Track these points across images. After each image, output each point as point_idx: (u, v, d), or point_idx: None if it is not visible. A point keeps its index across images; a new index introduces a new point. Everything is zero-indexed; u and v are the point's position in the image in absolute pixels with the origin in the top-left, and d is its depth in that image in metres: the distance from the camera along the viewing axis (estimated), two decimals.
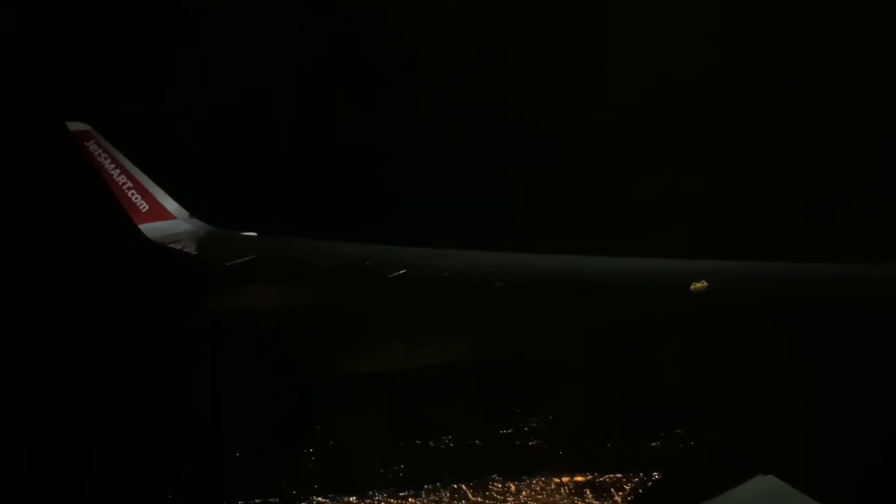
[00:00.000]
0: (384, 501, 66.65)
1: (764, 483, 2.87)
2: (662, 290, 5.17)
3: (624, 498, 65.45)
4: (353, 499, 66.71)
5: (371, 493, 67.43)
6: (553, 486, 68.93)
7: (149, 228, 12.77)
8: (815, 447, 2.93)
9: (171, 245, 12.34)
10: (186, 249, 12.06)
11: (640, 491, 55.67)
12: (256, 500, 66.79)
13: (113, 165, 13.07)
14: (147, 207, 12.86)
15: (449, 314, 6.47)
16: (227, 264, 11.20)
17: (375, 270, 7.92)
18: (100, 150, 13.39)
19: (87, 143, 13.75)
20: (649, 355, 4.37)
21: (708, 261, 5.34)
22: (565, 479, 70.99)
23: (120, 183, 12.90)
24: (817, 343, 3.54)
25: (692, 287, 4.49)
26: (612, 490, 66.77)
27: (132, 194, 12.91)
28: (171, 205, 13.08)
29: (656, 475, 59.44)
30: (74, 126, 14.23)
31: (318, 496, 66.06)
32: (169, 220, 12.88)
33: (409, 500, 67.05)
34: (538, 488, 69.52)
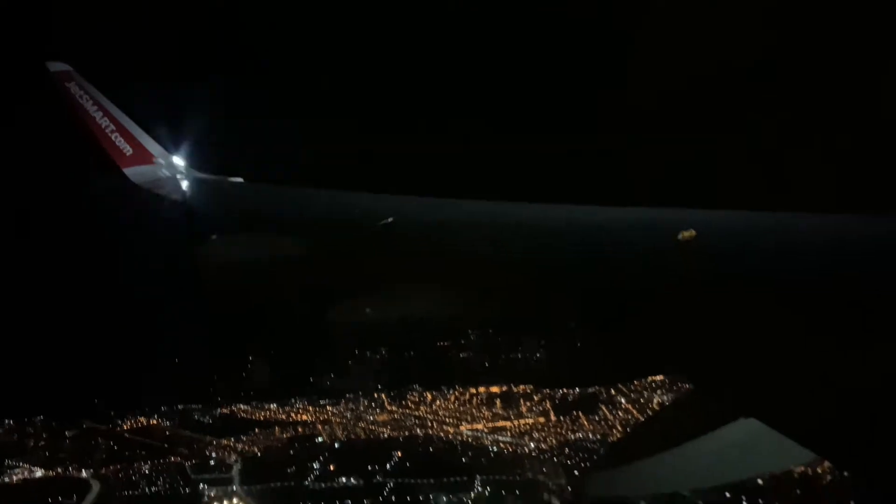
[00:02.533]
0: (304, 409, 69.93)
1: (746, 425, 2.78)
2: (648, 239, 4.97)
3: (532, 408, 69.84)
4: (273, 406, 69.91)
5: (293, 400, 70.42)
6: (467, 396, 73.18)
7: (133, 172, 11.94)
8: (801, 393, 2.70)
9: (157, 190, 11.58)
10: (172, 195, 11.32)
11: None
12: (180, 406, 69.29)
13: (95, 107, 12.18)
14: (131, 151, 11.99)
15: (435, 265, 6.06)
16: (212, 210, 10.94)
17: (363, 219, 7.42)
18: (81, 92, 12.43)
19: (67, 85, 12.66)
20: (633, 304, 4.03)
21: (696, 210, 5.03)
22: (481, 390, 75.15)
23: (102, 125, 11.97)
24: (805, 292, 3.37)
25: (679, 236, 4.29)
26: (521, 400, 71.25)
27: (115, 137, 11.98)
28: (155, 148, 12.17)
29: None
30: (55, 66, 13.01)
31: (240, 403, 68.90)
32: (154, 164, 12.06)
33: (328, 408, 70.54)
34: (452, 398, 73.70)
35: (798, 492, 40.54)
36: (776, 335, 3.17)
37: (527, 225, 6.24)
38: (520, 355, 79.11)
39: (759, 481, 39.94)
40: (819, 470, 41.16)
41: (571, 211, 6.12)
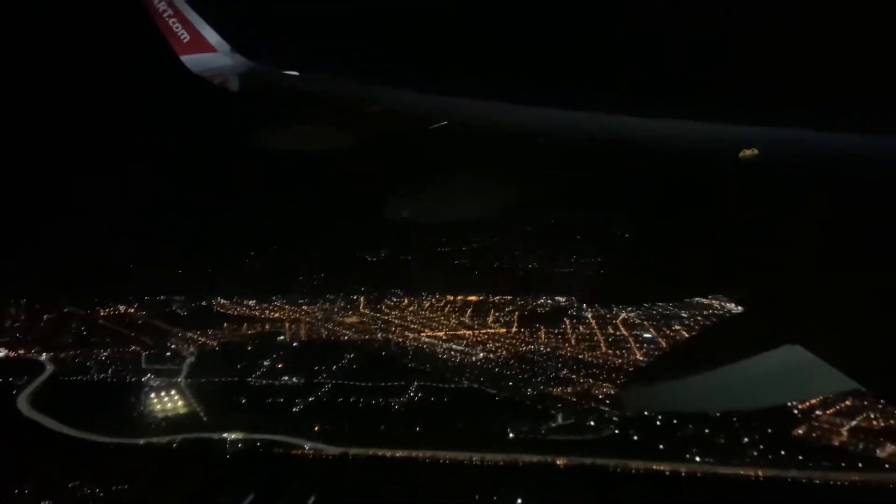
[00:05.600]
0: (279, 307, 72.31)
1: (791, 352, 2.77)
2: (709, 155, 4.82)
3: (498, 318, 70.60)
4: (251, 302, 72.80)
5: (272, 297, 72.78)
6: (442, 304, 74.11)
7: (190, 60, 11.78)
8: (852, 324, 2.71)
9: (213, 80, 11.46)
10: (227, 85, 11.19)
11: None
12: (161, 296, 72.46)
13: None
14: (188, 38, 11.79)
15: (488, 166, 6.01)
16: (267, 102, 10.91)
17: (417, 119, 7.32)
18: None
19: None
20: (687, 221, 4.07)
21: (760, 127, 4.90)
22: (458, 298, 76.08)
23: (160, 10, 11.75)
24: (867, 217, 3.28)
25: (741, 154, 4.19)
26: (492, 310, 71.96)
27: (173, 23, 11.76)
28: (212, 37, 11.92)
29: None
30: None
31: (221, 297, 71.80)
32: (210, 52, 11.89)
33: (303, 307, 72.35)
34: (427, 304, 74.75)
35: (834, 418, 40.70)
36: (836, 262, 3.12)
37: (581, 133, 6.09)
38: (537, 265, 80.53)
39: (795, 407, 40.87)
40: (858, 398, 41.53)
41: (631, 122, 5.90)
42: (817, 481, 34.96)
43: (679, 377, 3.23)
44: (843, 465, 35.97)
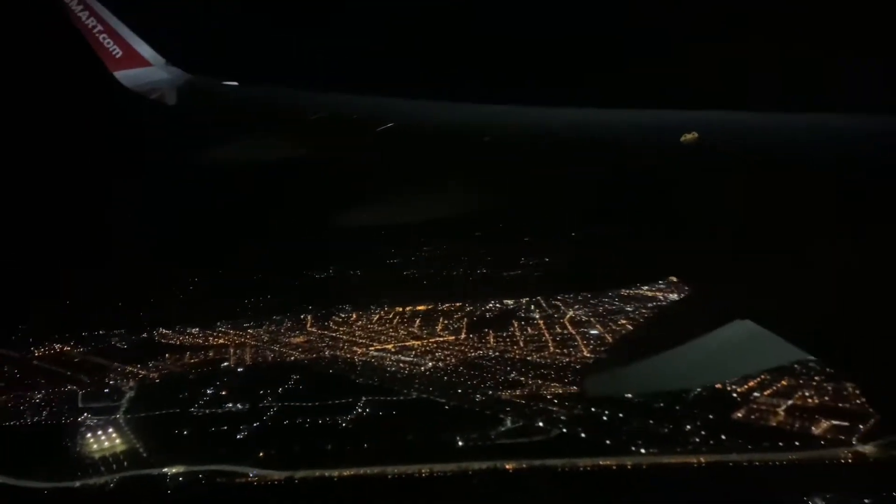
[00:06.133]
0: (223, 333, 70.31)
1: (741, 327, 2.85)
2: (651, 141, 4.89)
3: (447, 326, 70.49)
4: (194, 330, 71.61)
5: (217, 324, 70.71)
6: (391, 315, 73.62)
7: (124, 76, 11.40)
8: (797, 296, 2.80)
9: (148, 95, 11.12)
10: (165, 99, 10.84)
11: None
12: (100, 331, 70.05)
13: (81, 7, 11.41)
14: (121, 53, 11.41)
15: (435, 168, 6.06)
16: (206, 115, 10.57)
17: (362, 123, 7.31)
18: None
19: None
20: (634, 207, 4.16)
21: (699, 111, 4.97)
22: (407, 308, 75.77)
23: (90, 26, 11.29)
24: (808, 195, 3.37)
25: (682, 139, 4.29)
26: (441, 318, 71.82)
27: (103, 38, 11.35)
28: (145, 51, 11.53)
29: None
30: None
31: (163, 328, 74.86)
32: (145, 66, 11.48)
33: (248, 330, 70.75)
34: (376, 318, 74.06)
35: (771, 399, 42.15)
36: (779, 238, 3.19)
37: (524, 128, 6.08)
38: (486, 270, 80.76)
39: (751, 381, 42.44)
40: (794, 377, 43.55)
41: (574, 113, 5.93)
42: (757, 463, 35.87)
43: (632, 363, 3.33)
44: (780, 444, 37.10)
